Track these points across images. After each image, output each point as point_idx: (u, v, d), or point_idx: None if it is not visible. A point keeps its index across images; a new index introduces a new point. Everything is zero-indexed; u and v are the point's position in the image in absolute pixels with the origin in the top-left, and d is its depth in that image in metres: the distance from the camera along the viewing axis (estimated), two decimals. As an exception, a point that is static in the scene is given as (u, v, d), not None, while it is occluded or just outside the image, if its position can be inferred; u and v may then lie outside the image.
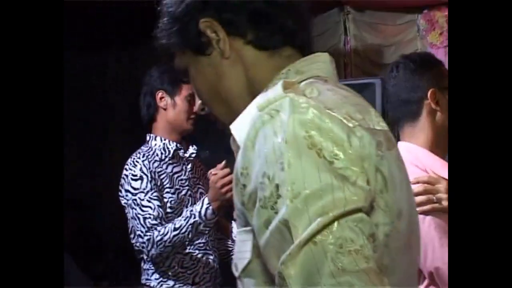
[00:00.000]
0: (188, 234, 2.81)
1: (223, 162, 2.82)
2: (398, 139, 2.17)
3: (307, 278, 0.88)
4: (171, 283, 2.96)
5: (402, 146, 2.05)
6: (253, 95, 1.08)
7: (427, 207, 1.93)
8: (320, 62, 1.13)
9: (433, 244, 1.96)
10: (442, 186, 1.98)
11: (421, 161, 2.06)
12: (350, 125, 0.95)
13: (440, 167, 2.05)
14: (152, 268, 2.96)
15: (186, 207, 2.91)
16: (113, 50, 6.31)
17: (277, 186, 0.90)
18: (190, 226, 2.81)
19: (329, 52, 3.62)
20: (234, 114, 1.08)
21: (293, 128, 0.92)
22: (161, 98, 2.97)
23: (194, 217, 2.81)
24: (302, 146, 0.91)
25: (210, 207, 2.77)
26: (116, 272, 4.87)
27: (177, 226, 2.83)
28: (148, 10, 1.41)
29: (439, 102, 2.05)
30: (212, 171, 2.82)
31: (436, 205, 1.95)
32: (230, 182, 2.68)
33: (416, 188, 1.89)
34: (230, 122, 1.08)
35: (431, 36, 4.81)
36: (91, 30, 5.46)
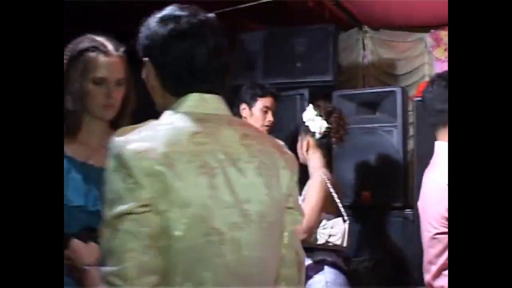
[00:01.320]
0: None
1: None
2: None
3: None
4: None
5: (443, 144, 2.33)
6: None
7: None
8: (190, 101, 1.44)
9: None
10: None
11: None
12: (140, 151, 1.31)
13: None
14: None
15: None
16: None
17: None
18: None
19: (349, 65, 4.58)
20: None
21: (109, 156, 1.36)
22: (243, 109, 3.48)
23: None
24: (108, 168, 1.33)
25: None
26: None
27: None
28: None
29: None
30: None
31: None
32: None
33: None
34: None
35: (437, 51, 4.98)
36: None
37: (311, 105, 3.30)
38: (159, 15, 1.50)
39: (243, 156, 1.43)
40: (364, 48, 5.29)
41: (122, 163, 1.31)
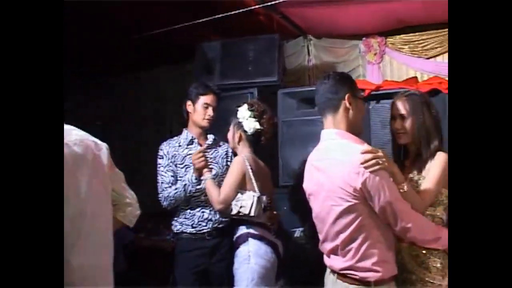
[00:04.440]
0: (181, 192, 3.46)
1: (199, 149, 3.45)
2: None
3: None
4: (178, 226, 3.59)
5: (333, 132, 2.40)
6: None
7: (376, 167, 2.20)
8: None
9: (384, 189, 2.22)
10: (381, 153, 2.25)
11: (352, 137, 2.37)
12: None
13: (360, 141, 2.37)
14: (175, 218, 3.60)
15: None
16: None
17: None
18: (183, 187, 3.45)
19: (297, 67, 5.04)
20: None
21: None
22: (188, 105, 3.63)
23: (185, 181, 3.46)
24: None
25: (194, 175, 3.43)
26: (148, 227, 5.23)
27: (176, 187, 3.48)
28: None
29: (351, 103, 2.40)
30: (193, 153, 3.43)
31: (381, 165, 2.21)
32: (199, 158, 3.37)
33: (366, 156, 2.21)
34: None
35: (368, 56, 5.50)
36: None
37: (245, 105, 3.39)
38: None
39: None
40: (309, 53, 5.73)
41: None
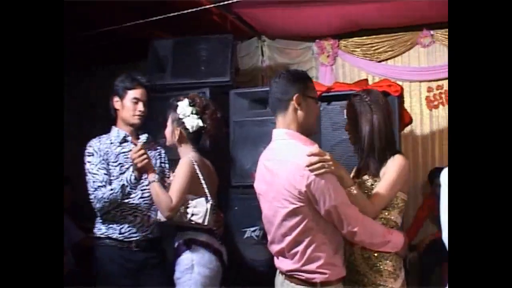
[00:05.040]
0: (118, 194, 3.15)
1: (138, 145, 3.10)
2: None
3: None
4: (103, 229, 3.26)
5: (283, 131, 2.37)
6: None
7: (321, 170, 2.19)
8: None
9: (329, 193, 2.22)
10: (328, 156, 2.24)
11: (302, 138, 2.37)
12: None
13: (310, 142, 2.36)
14: (100, 219, 3.30)
15: None
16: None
17: None
18: (120, 187, 3.14)
19: (250, 68, 5.00)
20: None
21: None
22: (116, 101, 3.37)
23: (123, 182, 3.15)
24: None
25: (133, 174, 3.13)
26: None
27: (112, 187, 3.16)
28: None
29: (300, 104, 2.38)
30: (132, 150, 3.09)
31: (327, 168, 2.21)
32: (140, 156, 3.04)
33: (311, 158, 2.19)
34: None
35: (321, 57, 5.59)
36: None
37: (186, 100, 3.18)
38: None
39: None
40: (262, 54, 5.82)
41: None
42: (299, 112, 2.37)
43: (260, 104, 4.36)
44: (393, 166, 2.51)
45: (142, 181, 3.20)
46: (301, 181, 2.21)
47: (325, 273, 2.29)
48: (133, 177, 3.12)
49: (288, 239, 2.32)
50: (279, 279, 2.45)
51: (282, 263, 2.41)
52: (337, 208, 2.22)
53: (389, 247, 2.41)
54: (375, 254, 2.46)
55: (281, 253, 2.39)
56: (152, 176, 3.04)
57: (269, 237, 2.48)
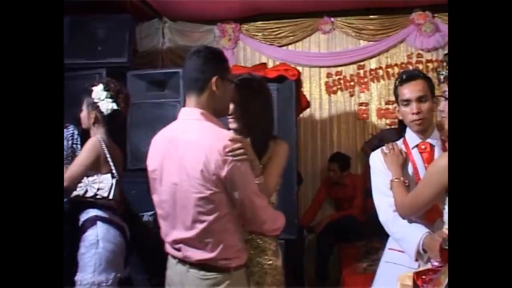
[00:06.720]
0: None
1: None
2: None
3: None
4: None
5: (197, 111, 2.24)
6: None
7: (241, 157, 2.13)
8: None
9: (247, 180, 2.19)
10: (247, 143, 2.20)
11: (218, 122, 2.27)
12: None
13: (222, 126, 2.28)
14: None
15: None
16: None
17: None
18: None
19: (150, 49, 4.88)
20: None
21: None
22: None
23: None
24: None
25: None
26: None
27: None
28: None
29: (218, 86, 2.25)
30: None
31: (246, 156, 2.16)
32: None
33: (233, 144, 2.12)
34: None
35: (223, 41, 5.68)
36: None
37: (101, 85, 3.25)
38: None
39: None
40: (163, 36, 5.80)
41: None
42: (217, 94, 2.26)
43: (158, 86, 4.34)
44: (279, 151, 2.52)
45: None
46: (220, 166, 2.12)
47: (239, 257, 2.26)
48: None
49: (200, 226, 2.20)
50: (178, 268, 2.31)
51: (189, 252, 2.25)
52: (250, 197, 2.19)
53: (278, 230, 2.40)
54: (260, 236, 2.48)
55: (187, 242, 2.25)
56: None
57: (167, 223, 2.32)
